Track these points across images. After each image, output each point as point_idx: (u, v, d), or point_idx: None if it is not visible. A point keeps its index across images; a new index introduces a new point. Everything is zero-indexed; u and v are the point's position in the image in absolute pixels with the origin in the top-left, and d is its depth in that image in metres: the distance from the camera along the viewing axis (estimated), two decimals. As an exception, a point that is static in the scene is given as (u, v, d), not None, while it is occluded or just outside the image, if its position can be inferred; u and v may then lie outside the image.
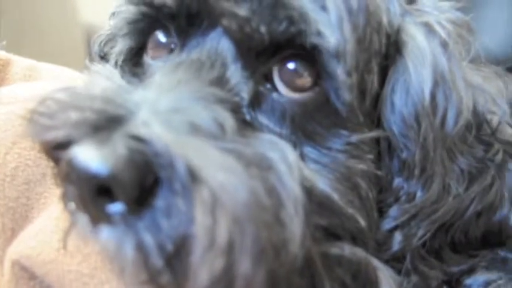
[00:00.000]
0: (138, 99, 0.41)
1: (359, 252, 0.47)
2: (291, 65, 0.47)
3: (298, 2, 0.44)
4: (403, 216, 0.50)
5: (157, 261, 0.38)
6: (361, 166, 0.48)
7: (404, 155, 0.50)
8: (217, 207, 0.36)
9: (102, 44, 0.64)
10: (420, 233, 0.51)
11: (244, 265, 0.37)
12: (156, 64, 0.52)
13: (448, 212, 0.51)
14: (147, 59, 0.54)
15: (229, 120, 0.41)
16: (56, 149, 0.41)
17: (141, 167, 0.36)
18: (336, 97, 0.46)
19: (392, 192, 0.51)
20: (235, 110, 0.44)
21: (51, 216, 0.49)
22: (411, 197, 0.50)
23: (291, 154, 0.43)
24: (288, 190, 0.41)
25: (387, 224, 0.50)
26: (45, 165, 0.49)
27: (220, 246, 0.36)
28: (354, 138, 0.48)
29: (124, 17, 0.54)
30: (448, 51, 0.50)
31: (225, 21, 0.46)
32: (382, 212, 0.51)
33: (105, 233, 0.39)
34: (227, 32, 0.46)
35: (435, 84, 0.49)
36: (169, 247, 0.37)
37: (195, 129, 0.39)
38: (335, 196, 0.46)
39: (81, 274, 0.48)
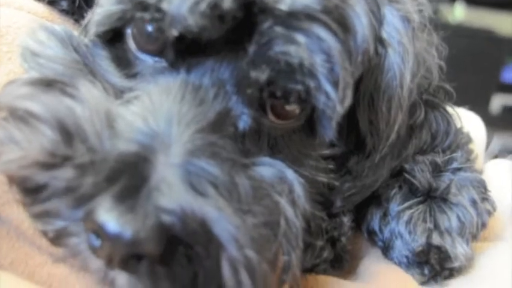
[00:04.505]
0: (148, 138, 0.41)
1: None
2: (285, 100, 0.49)
3: (311, 65, 0.44)
4: (350, 191, 0.57)
5: None
6: (324, 178, 0.54)
7: (369, 145, 0.55)
8: (240, 269, 0.40)
9: None
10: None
11: None
12: (146, 61, 0.50)
13: None
14: (131, 44, 0.51)
15: (241, 178, 0.43)
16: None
17: (170, 236, 0.38)
18: (325, 130, 0.50)
19: (345, 170, 0.57)
20: (234, 140, 0.46)
21: None
22: (360, 174, 0.57)
23: (296, 186, 0.47)
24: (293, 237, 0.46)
25: (339, 202, 0.56)
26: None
27: None
28: (318, 154, 0.53)
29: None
30: (417, 35, 0.54)
31: (242, 85, 0.47)
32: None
33: (123, 278, 0.40)
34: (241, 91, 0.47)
35: (413, 76, 0.54)
36: None
37: (215, 189, 0.41)
38: (307, 207, 0.50)
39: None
